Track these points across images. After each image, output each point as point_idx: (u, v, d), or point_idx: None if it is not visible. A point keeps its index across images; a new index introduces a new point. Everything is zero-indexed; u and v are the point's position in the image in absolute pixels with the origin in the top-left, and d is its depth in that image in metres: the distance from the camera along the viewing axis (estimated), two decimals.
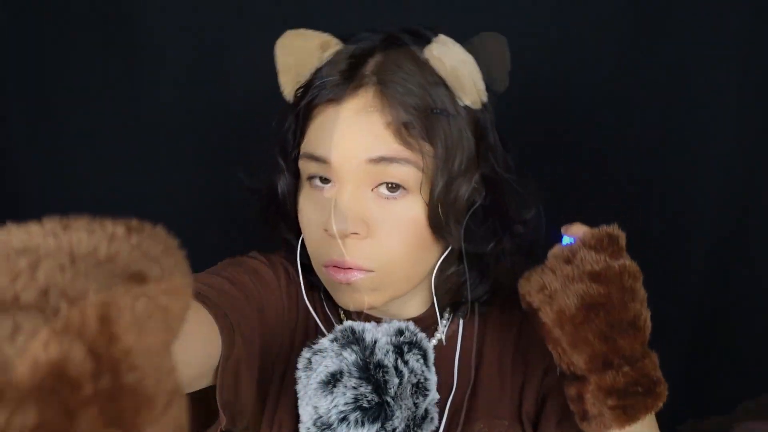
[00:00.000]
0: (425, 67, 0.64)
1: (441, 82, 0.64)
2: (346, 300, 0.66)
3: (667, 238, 1.13)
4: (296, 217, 0.70)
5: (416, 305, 0.74)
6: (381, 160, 0.62)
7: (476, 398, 0.73)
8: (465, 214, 0.66)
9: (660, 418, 0.65)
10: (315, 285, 0.74)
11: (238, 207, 1.06)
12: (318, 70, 0.66)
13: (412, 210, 0.64)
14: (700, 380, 1.13)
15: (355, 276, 0.64)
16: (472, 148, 0.66)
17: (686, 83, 1.07)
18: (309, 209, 0.66)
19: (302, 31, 0.68)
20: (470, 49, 0.66)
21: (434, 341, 0.73)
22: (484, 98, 0.66)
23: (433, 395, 0.65)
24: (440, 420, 0.70)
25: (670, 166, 1.10)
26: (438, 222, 0.64)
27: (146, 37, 1.07)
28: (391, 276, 0.65)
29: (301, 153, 0.66)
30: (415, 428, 0.63)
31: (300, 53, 0.67)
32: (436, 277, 0.70)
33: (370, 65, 0.64)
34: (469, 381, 0.73)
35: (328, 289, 0.69)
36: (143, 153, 1.11)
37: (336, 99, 0.64)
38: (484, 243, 0.68)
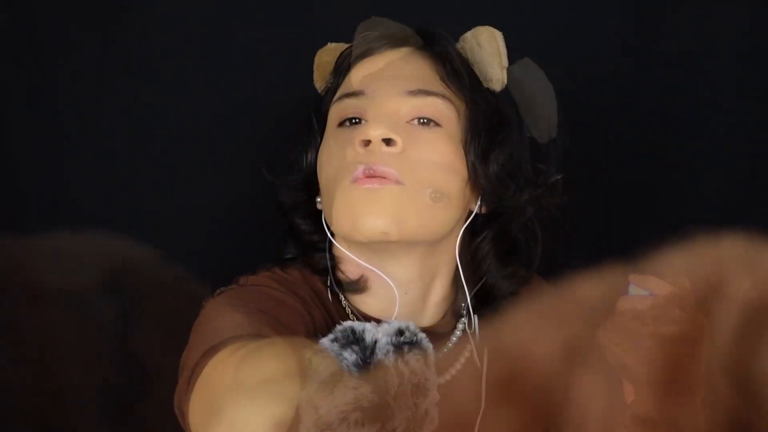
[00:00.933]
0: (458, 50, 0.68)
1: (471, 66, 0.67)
2: (367, 221, 0.63)
3: (665, 238, 1.12)
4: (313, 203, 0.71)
5: (433, 308, 0.73)
6: (419, 92, 0.64)
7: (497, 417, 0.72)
8: (495, 171, 0.67)
9: None
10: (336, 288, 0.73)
11: (239, 206, 1.06)
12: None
13: (446, 142, 0.65)
14: None
15: (386, 184, 0.62)
16: (497, 125, 0.68)
17: (686, 84, 1.07)
18: (337, 146, 0.66)
19: (341, 44, 0.71)
20: (463, 45, 0.67)
21: (454, 338, 0.72)
22: (505, 79, 0.68)
23: (434, 395, 0.65)
24: None
25: (669, 166, 1.10)
26: (471, 162, 0.65)
27: (146, 37, 1.07)
28: (420, 197, 0.64)
29: (334, 101, 0.68)
30: (416, 428, 0.63)
31: (334, 55, 0.70)
32: (460, 253, 0.70)
33: (408, 31, 0.68)
34: (497, 401, 0.72)
35: (344, 218, 0.65)
36: (143, 152, 1.10)
37: (378, 50, 0.66)
38: (514, 195, 0.68)
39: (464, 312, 0.72)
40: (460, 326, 0.73)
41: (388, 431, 0.60)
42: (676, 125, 1.08)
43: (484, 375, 0.71)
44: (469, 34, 0.67)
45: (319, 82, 0.72)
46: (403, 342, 0.63)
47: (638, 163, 1.11)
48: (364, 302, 0.72)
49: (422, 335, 0.66)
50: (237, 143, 1.07)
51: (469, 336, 0.72)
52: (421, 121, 0.64)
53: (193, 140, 1.11)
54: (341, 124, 0.67)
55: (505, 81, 0.68)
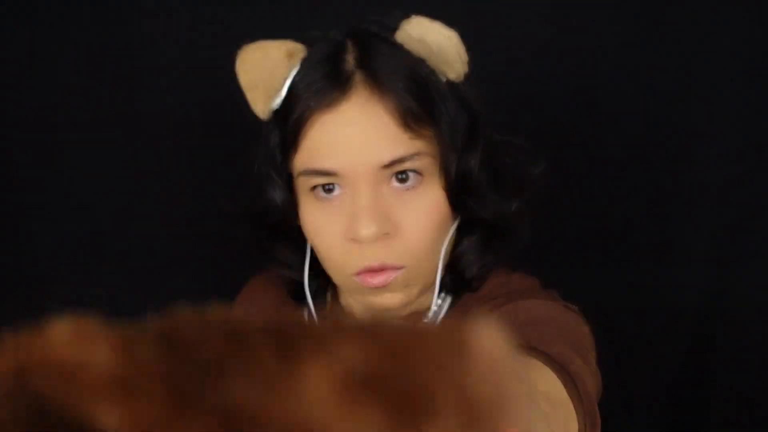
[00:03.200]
0: (403, 50, 0.63)
1: (422, 62, 0.63)
2: (381, 303, 0.65)
3: (665, 239, 1.13)
4: (295, 231, 0.68)
5: (411, 308, 0.71)
6: (393, 162, 0.61)
7: None
8: (482, 185, 0.65)
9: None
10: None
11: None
12: (295, 81, 0.63)
13: (431, 194, 0.63)
14: (697, 387, 1.13)
15: (390, 276, 0.62)
16: (466, 122, 0.65)
17: (687, 84, 1.07)
18: (322, 221, 0.64)
19: (261, 43, 0.64)
20: (409, 42, 0.63)
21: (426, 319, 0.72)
22: (467, 69, 0.64)
23: None
24: None
25: (669, 167, 1.10)
26: (459, 200, 0.64)
27: (146, 37, 1.07)
28: (421, 268, 0.64)
29: (300, 170, 0.63)
30: None
31: (265, 66, 0.64)
32: (444, 259, 0.68)
33: (349, 61, 0.62)
34: None
35: (356, 296, 0.67)
36: (142, 153, 1.10)
37: (329, 105, 0.61)
38: (504, 206, 0.67)
39: (438, 295, 0.71)
40: (434, 308, 0.71)
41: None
42: (676, 125, 1.08)
43: None
44: (415, 34, 0.61)
45: (261, 106, 0.66)
46: None
47: (637, 163, 1.11)
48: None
49: None
50: (238, 142, 1.07)
51: (434, 297, 0.71)
52: (401, 177, 0.62)
53: (194, 140, 1.11)
54: (314, 188, 0.64)
55: (466, 70, 0.64)
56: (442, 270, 0.68)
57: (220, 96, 1.08)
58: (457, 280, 0.71)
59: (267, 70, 0.64)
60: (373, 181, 0.61)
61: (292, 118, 0.62)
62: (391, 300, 0.65)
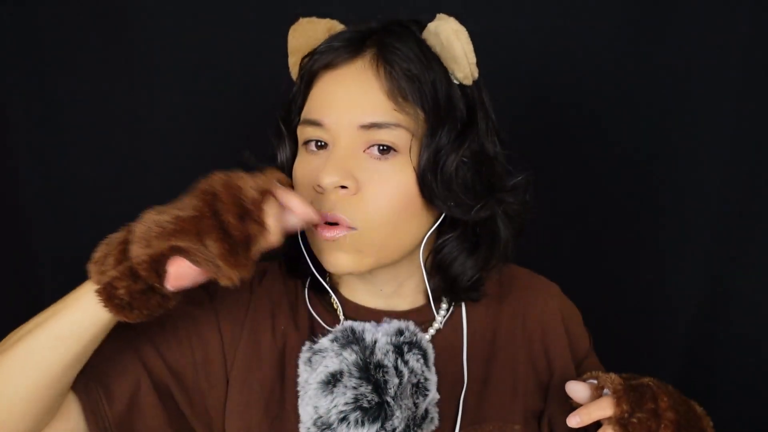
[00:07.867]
0: (423, 44, 0.67)
1: (437, 59, 0.67)
2: (331, 261, 0.66)
3: (666, 239, 1.13)
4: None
5: (411, 294, 0.74)
6: (372, 126, 0.64)
7: (486, 397, 0.73)
8: (453, 181, 0.67)
9: None
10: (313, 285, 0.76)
11: None
12: (320, 46, 0.69)
13: (401, 172, 0.65)
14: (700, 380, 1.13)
15: (340, 233, 0.64)
16: (464, 122, 0.68)
17: (687, 82, 1.07)
18: (301, 171, 0.68)
19: (313, 18, 0.72)
20: (428, 37, 0.68)
21: (432, 331, 0.74)
22: (476, 73, 0.68)
23: (433, 395, 0.65)
24: (454, 419, 0.71)
25: (669, 165, 1.10)
26: (427, 185, 0.66)
27: (146, 37, 1.07)
28: (374, 237, 0.65)
29: (300, 119, 0.69)
30: (415, 428, 0.63)
31: (307, 36, 0.71)
32: (426, 252, 0.71)
33: (371, 38, 0.68)
34: (478, 376, 0.73)
35: (316, 253, 0.69)
36: (143, 152, 1.11)
37: (334, 64, 0.67)
38: (470, 208, 0.68)
39: (444, 299, 0.75)
40: (441, 312, 0.75)
41: (388, 431, 0.60)
42: (676, 125, 1.09)
43: (464, 346, 0.73)
44: (432, 27, 0.67)
45: (293, 68, 0.73)
46: (402, 342, 0.63)
47: (638, 162, 1.11)
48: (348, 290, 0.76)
49: (422, 335, 0.66)
50: (238, 140, 1.07)
51: (431, 301, 0.74)
52: (381, 148, 0.65)
53: (193, 138, 1.11)
54: (307, 143, 0.69)
55: (475, 75, 0.68)
56: (427, 266, 0.71)
57: (221, 96, 1.09)
58: (451, 287, 0.72)
59: (308, 40, 0.71)
60: (350, 140, 0.65)
61: (305, 71, 0.69)
62: (340, 260, 0.66)
